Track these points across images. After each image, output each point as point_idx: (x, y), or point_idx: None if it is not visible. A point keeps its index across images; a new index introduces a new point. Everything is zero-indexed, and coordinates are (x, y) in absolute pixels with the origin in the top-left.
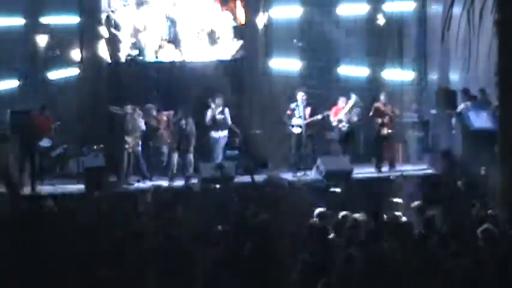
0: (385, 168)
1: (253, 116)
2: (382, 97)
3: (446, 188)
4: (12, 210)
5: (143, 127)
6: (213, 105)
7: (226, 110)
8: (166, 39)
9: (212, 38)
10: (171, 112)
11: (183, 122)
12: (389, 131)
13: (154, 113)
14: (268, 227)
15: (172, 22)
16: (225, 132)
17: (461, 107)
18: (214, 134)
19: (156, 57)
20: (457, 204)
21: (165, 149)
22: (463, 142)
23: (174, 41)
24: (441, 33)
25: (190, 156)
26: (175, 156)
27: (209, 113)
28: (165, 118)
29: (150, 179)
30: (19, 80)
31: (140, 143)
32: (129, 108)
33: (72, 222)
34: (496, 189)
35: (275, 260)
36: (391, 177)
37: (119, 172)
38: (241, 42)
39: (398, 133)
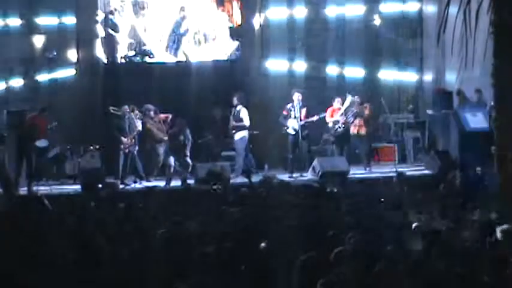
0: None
1: (249, 116)
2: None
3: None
4: (8, 210)
5: (140, 128)
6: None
7: (243, 111)
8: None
9: (208, 38)
10: (169, 115)
11: (181, 137)
12: (364, 131)
13: (152, 114)
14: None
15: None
16: (242, 133)
17: (457, 107)
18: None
19: (153, 58)
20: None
21: (161, 150)
22: (460, 142)
23: (171, 41)
24: (437, 33)
25: (188, 159)
26: (172, 158)
27: (246, 113)
28: (162, 118)
29: (147, 180)
30: (20, 79)
31: (137, 143)
32: (126, 108)
33: (68, 223)
34: (492, 189)
35: (272, 261)
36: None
37: (116, 173)
38: (237, 42)
39: (389, 133)
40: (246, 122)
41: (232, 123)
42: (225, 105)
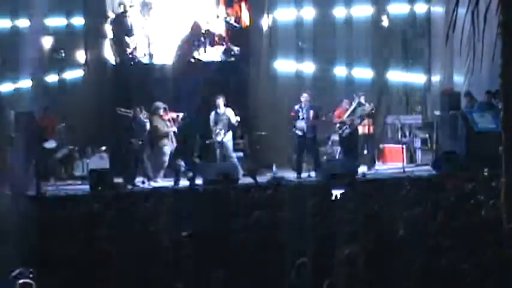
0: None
1: (257, 117)
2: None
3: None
4: (16, 211)
5: (148, 128)
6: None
7: (229, 111)
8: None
9: (216, 39)
10: (179, 114)
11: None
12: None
13: (161, 112)
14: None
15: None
16: (231, 134)
17: (465, 108)
18: (216, 137)
19: (161, 59)
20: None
21: (167, 150)
22: (467, 143)
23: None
24: (445, 34)
25: (196, 159)
26: (181, 159)
27: (212, 116)
28: (172, 117)
29: (155, 180)
30: (28, 80)
31: (146, 144)
32: (136, 109)
33: (77, 223)
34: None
35: (277, 262)
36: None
37: (124, 173)
38: (245, 44)
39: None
40: (234, 121)
41: (218, 128)
42: (233, 107)
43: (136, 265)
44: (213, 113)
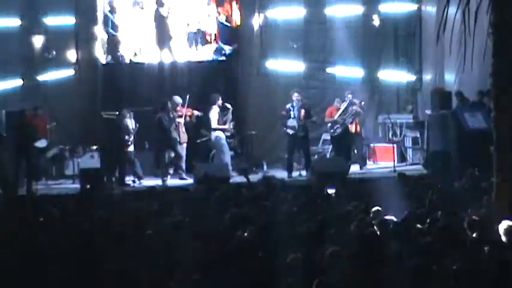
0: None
1: (248, 117)
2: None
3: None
4: (7, 210)
5: (135, 128)
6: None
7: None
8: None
9: (208, 38)
10: (194, 111)
11: (166, 117)
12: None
13: (178, 108)
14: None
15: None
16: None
17: (456, 107)
18: (221, 134)
19: (152, 58)
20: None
21: (171, 152)
22: (458, 142)
23: (168, 41)
24: (436, 34)
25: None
26: (166, 155)
27: (216, 114)
28: (188, 113)
29: (145, 179)
30: (19, 79)
31: (133, 143)
32: (124, 111)
33: (67, 223)
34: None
35: (268, 260)
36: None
37: (115, 173)
38: (236, 43)
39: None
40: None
41: (231, 124)
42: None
43: (132, 264)
44: (215, 112)
